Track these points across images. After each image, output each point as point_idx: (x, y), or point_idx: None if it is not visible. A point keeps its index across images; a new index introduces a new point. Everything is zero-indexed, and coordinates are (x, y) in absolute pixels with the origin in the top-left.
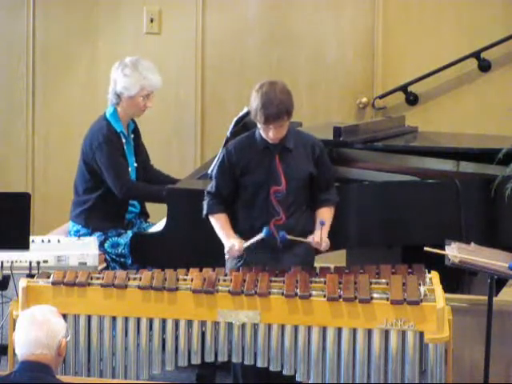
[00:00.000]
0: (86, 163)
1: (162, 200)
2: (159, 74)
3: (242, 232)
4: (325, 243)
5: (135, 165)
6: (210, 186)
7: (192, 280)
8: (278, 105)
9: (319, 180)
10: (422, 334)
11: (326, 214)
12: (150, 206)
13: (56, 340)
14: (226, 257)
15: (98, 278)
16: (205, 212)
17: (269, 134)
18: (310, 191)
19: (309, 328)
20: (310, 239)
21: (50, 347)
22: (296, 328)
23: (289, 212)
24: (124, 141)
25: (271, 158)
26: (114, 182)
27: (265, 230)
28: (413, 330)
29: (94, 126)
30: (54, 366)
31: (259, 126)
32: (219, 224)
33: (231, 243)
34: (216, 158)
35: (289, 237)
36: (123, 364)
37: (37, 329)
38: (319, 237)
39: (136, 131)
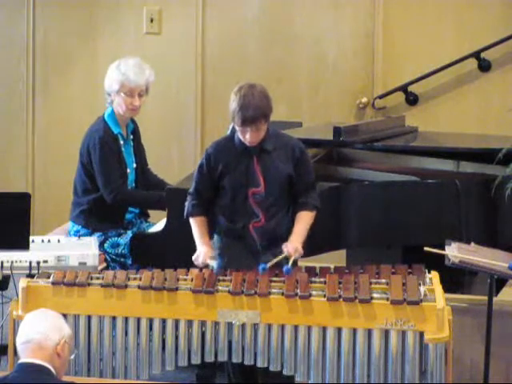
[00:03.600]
0: (83, 165)
1: (153, 207)
2: (144, 73)
3: (222, 233)
4: (297, 253)
5: (134, 166)
6: (191, 188)
7: (192, 280)
8: (255, 108)
9: (298, 182)
10: (422, 334)
11: (302, 218)
12: None
13: (54, 340)
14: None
15: (98, 278)
16: (185, 214)
17: (246, 136)
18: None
19: (309, 328)
20: (284, 251)
21: (47, 347)
22: (296, 328)
23: (269, 214)
24: (122, 142)
25: (249, 159)
26: (103, 187)
27: (216, 264)
28: (413, 329)
29: (91, 127)
30: (53, 366)
31: (237, 128)
32: (196, 228)
33: (199, 251)
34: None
35: (268, 265)
36: (123, 364)
37: (34, 330)
38: (292, 248)
39: (136, 132)
